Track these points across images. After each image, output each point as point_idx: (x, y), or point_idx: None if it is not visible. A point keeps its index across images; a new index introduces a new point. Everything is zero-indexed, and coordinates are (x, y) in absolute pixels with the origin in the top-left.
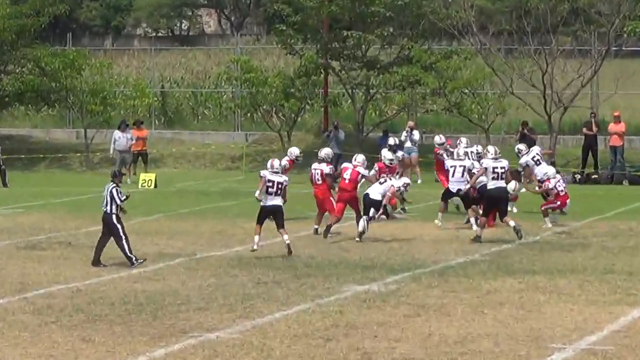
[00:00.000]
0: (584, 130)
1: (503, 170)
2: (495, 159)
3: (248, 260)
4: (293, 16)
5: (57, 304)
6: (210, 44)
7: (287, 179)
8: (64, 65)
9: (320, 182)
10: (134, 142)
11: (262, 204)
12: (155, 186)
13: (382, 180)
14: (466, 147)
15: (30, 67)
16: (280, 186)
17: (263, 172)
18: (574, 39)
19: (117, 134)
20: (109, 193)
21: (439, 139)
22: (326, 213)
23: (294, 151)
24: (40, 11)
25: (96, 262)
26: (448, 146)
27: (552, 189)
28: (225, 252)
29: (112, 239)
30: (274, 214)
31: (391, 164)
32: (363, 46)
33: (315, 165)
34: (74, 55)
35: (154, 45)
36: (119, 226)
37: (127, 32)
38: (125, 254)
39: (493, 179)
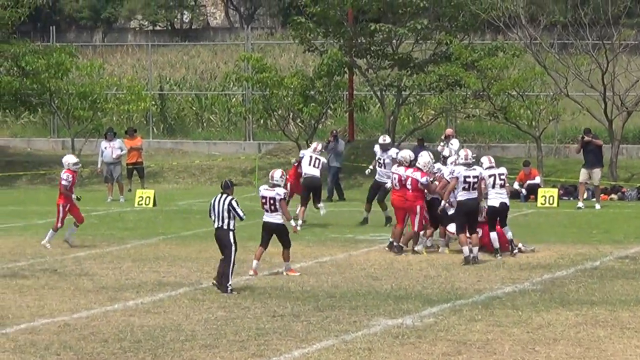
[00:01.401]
0: None
1: (476, 180)
2: (468, 165)
3: (262, 289)
4: (312, 6)
5: (41, 340)
6: (217, 38)
7: (281, 193)
8: (47, 65)
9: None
10: (123, 153)
11: (263, 219)
12: (154, 205)
13: None
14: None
15: (7, 66)
16: (272, 201)
17: (260, 189)
18: (639, 32)
19: (103, 144)
20: (226, 206)
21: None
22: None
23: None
24: (18, 1)
25: (224, 288)
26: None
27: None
28: (235, 280)
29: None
30: (276, 233)
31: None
32: (394, 41)
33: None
34: (59, 53)
35: (151, 40)
36: (234, 247)
37: (120, 25)
38: (228, 280)
39: (464, 189)
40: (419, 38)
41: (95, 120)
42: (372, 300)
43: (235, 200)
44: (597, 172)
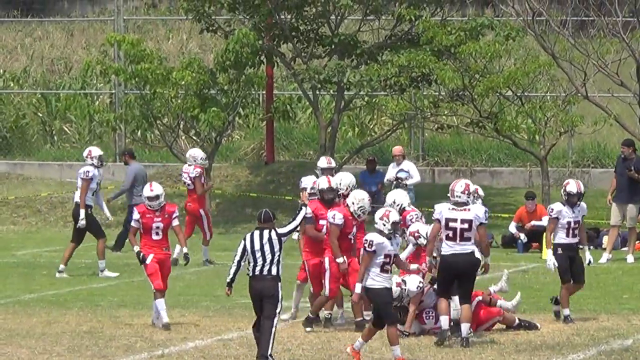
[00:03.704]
0: None
1: (466, 226)
2: (456, 203)
3: None
4: None
5: None
6: (73, 12)
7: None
8: None
9: None
10: None
11: None
12: None
13: None
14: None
15: None
16: None
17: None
18: None
19: None
20: (271, 244)
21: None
22: None
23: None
24: None
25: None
26: None
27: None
28: (143, 356)
29: None
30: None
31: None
32: (332, 17)
33: None
34: None
35: None
36: (280, 305)
37: None
38: (267, 347)
39: (448, 238)
40: (368, 11)
41: None
42: None
43: (285, 235)
44: (632, 210)
